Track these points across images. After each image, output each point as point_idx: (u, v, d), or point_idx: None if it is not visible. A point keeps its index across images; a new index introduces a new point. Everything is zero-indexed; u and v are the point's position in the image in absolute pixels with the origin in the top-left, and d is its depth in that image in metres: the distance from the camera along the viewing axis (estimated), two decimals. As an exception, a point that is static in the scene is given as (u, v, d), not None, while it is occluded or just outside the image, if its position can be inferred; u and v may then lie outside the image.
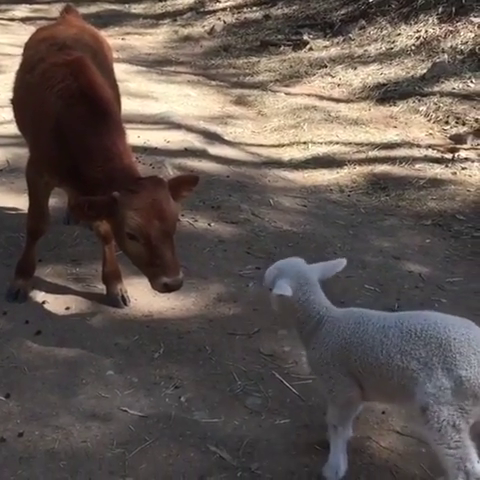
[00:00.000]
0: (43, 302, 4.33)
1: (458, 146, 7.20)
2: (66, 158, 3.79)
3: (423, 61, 9.56)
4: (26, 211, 4.44)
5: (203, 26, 13.89)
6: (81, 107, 3.76)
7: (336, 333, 2.91)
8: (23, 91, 4.25)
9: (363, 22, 11.45)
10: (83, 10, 15.39)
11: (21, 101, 4.30)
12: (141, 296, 4.43)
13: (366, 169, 6.90)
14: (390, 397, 2.96)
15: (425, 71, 9.11)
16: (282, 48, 11.50)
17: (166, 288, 3.57)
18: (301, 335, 3.09)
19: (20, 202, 5.22)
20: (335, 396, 2.97)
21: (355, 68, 10.00)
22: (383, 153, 7.22)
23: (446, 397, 2.60)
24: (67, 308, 4.28)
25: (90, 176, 3.70)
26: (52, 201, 4.64)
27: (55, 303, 4.33)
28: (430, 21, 10.43)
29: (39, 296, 4.38)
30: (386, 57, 10.10)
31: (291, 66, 10.62)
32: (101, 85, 3.89)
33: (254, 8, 14.37)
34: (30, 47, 4.48)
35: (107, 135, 3.74)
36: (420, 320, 2.76)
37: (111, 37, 12.96)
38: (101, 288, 4.44)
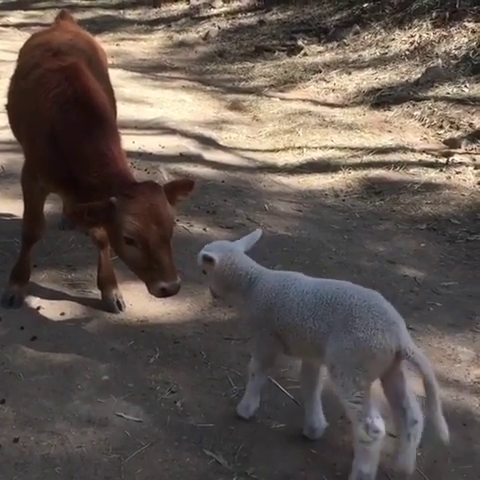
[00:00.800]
0: (38, 308, 4.32)
1: (452, 150, 7.21)
2: (61, 164, 3.79)
3: (417, 66, 9.59)
4: (21, 217, 4.43)
5: (198, 32, 13.92)
6: (76, 112, 3.76)
7: (264, 293, 3.22)
8: (18, 97, 4.25)
9: (357, 27, 11.49)
10: (78, 16, 15.42)
11: (16, 107, 4.30)
12: (136, 301, 4.43)
13: (361, 174, 6.92)
14: (308, 354, 3.20)
15: (419, 76, 9.14)
16: (277, 53, 11.54)
17: (164, 293, 3.57)
18: (237, 297, 3.44)
19: (15, 208, 5.22)
20: (260, 351, 3.32)
21: (349, 73, 10.04)
22: (378, 158, 7.24)
23: (348, 357, 2.89)
24: (62, 313, 4.28)
25: (86, 181, 3.70)
26: (47, 206, 4.64)
27: (50, 309, 4.32)
28: (424, 26, 10.47)
29: (34, 302, 4.37)
30: (380, 62, 10.14)
31: (286, 71, 10.65)
32: (96, 90, 3.89)
33: (249, 14, 14.41)
34: (25, 53, 4.48)
35: (102, 140, 3.74)
36: (332, 288, 3.08)
37: (106, 43, 12.98)
38: (96, 293, 4.43)
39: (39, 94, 3.88)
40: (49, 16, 14.45)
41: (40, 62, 4.06)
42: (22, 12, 16.86)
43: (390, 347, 2.87)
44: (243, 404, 3.42)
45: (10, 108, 4.41)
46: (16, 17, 16.11)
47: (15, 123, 4.40)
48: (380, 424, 2.91)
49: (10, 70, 4.71)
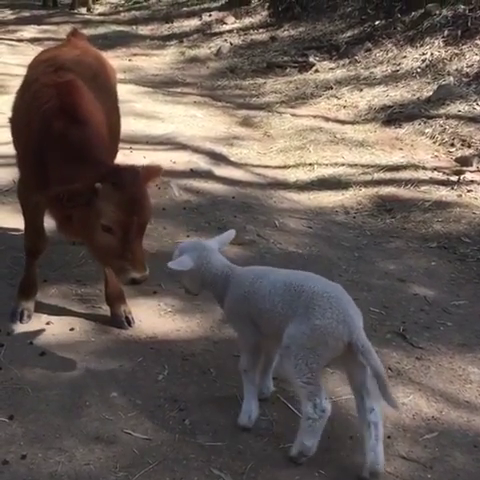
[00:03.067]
0: (47, 323, 4.31)
1: (464, 168, 7.20)
2: (47, 178, 3.76)
3: (429, 83, 9.60)
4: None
5: (210, 47, 14.00)
6: (59, 125, 3.72)
7: (239, 286, 3.42)
8: (18, 111, 4.27)
9: (369, 44, 11.52)
10: (91, 31, 15.59)
11: (16, 120, 4.32)
12: (145, 317, 4.42)
13: (372, 191, 6.90)
14: (275, 339, 3.30)
15: (431, 93, 9.14)
16: (288, 70, 11.58)
17: (133, 282, 3.56)
18: (217, 297, 3.58)
19: (26, 222, 5.22)
20: (244, 343, 3.48)
21: (361, 90, 10.05)
22: (389, 175, 7.23)
23: (303, 340, 3.11)
24: (71, 329, 4.27)
25: (65, 177, 3.61)
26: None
27: (59, 324, 4.31)
28: (436, 44, 10.49)
29: (43, 317, 4.37)
30: (392, 79, 10.15)
31: (297, 88, 10.67)
32: (83, 105, 3.84)
33: (260, 30, 14.49)
34: (31, 68, 4.49)
35: (81, 147, 3.67)
36: (300, 277, 3.31)
37: (118, 58, 13.10)
38: (106, 309, 4.42)
39: (32, 108, 3.89)
40: (62, 31, 14.56)
41: (39, 77, 4.07)
42: (36, 27, 17.02)
43: (342, 337, 3.09)
44: (243, 411, 3.47)
45: (12, 122, 4.41)
46: (30, 32, 16.26)
47: (15, 137, 4.40)
48: (327, 405, 3.14)
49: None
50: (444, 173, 7.20)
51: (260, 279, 3.38)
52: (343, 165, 7.59)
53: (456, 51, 10.09)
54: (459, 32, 10.39)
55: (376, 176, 7.23)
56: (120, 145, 4.80)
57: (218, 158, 7.70)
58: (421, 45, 10.69)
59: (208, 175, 7.05)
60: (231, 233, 3.72)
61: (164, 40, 15.40)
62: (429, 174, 7.21)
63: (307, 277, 3.34)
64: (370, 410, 3.15)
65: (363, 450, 3.16)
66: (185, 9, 18.16)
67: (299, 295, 3.18)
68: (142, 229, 3.58)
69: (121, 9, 20.28)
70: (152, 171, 3.82)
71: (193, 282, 3.58)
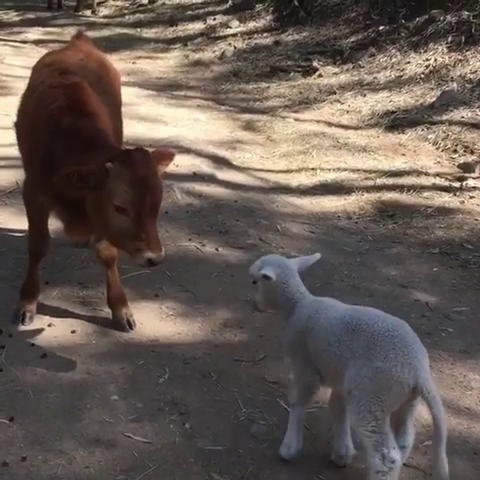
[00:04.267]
0: (49, 325, 4.32)
1: (466, 175, 7.20)
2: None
3: (432, 89, 9.60)
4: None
5: (214, 51, 14.01)
6: (68, 120, 3.74)
7: (301, 318, 3.22)
8: (23, 113, 4.28)
9: (373, 50, 11.53)
10: (95, 34, 15.60)
11: (21, 123, 4.33)
12: (147, 320, 4.43)
13: (374, 196, 6.90)
14: (334, 382, 3.14)
15: (434, 99, 9.15)
16: (292, 74, 11.59)
17: (149, 263, 3.51)
18: (282, 319, 3.39)
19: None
20: (298, 378, 3.27)
21: (364, 95, 10.06)
22: (391, 181, 7.23)
23: (365, 385, 2.87)
24: (73, 331, 4.27)
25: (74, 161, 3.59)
26: (59, 224, 4.63)
27: (61, 326, 4.32)
28: (439, 50, 10.49)
29: (45, 319, 4.38)
30: (395, 85, 10.16)
31: (300, 92, 10.69)
32: (92, 103, 3.87)
33: (264, 34, 14.50)
34: (36, 71, 4.51)
35: (90, 135, 3.70)
36: (359, 315, 3.05)
37: (122, 61, 13.12)
38: (107, 312, 4.43)
39: (38, 110, 3.91)
40: (67, 33, 14.59)
41: (45, 80, 4.09)
42: (40, 29, 17.04)
43: (408, 382, 2.84)
44: (284, 443, 3.31)
45: (17, 125, 4.42)
46: (34, 34, 16.28)
47: (19, 139, 4.42)
48: (396, 454, 2.88)
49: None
50: (447, 179, 7.20)
51: (318, 314, 3.17)
52: (346, 170, 7.59)
53: (460, 57, 10.09)
54: (463, 38, 10.39)
55: (378, 181, 7.23)
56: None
57: (221, 162, 7.70)
58: (425, 51, 10.70)
59: (211, 179, 7.06)
60: (316, 256, 3.49)
61: (168, 43, 15.41)
62: (432, 180, 7.21)
63: (366, 313, 3.10)
64: (402, 447, 2.99)
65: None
66: (189, 12, 18.17)
67: (358, 335, 2.95)
68: (155, 209, 3.53)
69: (126, 12, 20.29)
70: (164, 154, 3.84)
71: (266, 298, 3.36)
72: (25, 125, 4.17)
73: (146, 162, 3.53)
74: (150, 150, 3.70)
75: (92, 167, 3.46)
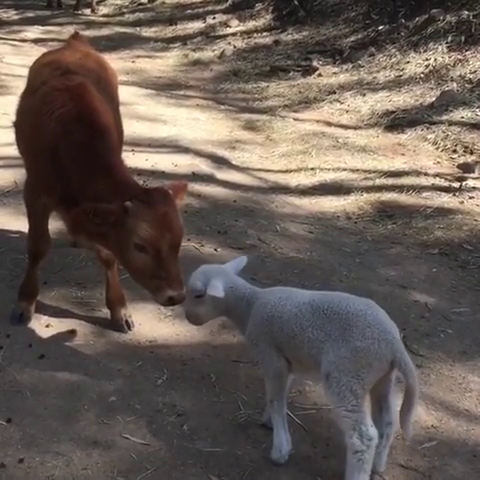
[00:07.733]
0: (47, 325, 4.31)
1: (466, 175, 7.19)
2: (62, 181, 3.77)
3: (432, 89, 9.59)
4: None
5: (213, 50, 13.99)
6: (79, 132, 3.74)
7: (262, 308, 3.26)
8: (24, 114, 4.26)
9: (372, 49, 11.52)
10: (94, 33, 15.59)
11: (22, 124, 4.31)
12: (145, 321, 4.41)
13: (373, 196, 6.89)
14: (306, 367, 3.21)
15: (434, 99, 9.14)
16: (291, 74, 11.58)
17: (171, 302, 3.54)
18: (238, 322, 3.45)
19: (27, 224, 5.21)
20: (266, 369, 3.30)
21: (364, 95, 10.05)
22: (390, 181, 7.22)
23: (345, 365, 2.93)
24: (71, 332, 4.26)
25: (92, 192, 3.63)
26: (58, 224, 4.64)
27: (59, 327, 4.31)
28: (439, 49, 10.48)
29: (43, 319, 4.37)
30: (395, 84, 10.15)
31: (300, 92, 10.67)
32: (100, 110, 3.87)
33: (264, 33, 14.48)
34: (34, 70, 4.50)
35: (106, 157, 3.71)
36: (329, 299, 3.13)
37: (121, 60, 13.10)
38: (106, 312, 4.42)
39: (43, 112, 3.88)
40: (66, 32, 14.57)
41: (47, 80, 4.07)
42: (40, 27, 17.00)
43: (386, 356, 2.95)
44: (274, 445, 3.30)
45: (17, 125, 4.41)
46: (33, 32, 16.25)
47: (20, 140, 4.40)
48: (373, 432, 2.95)
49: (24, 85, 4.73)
50: (446, 179, 7.19)
51: (283, 301, 3.22)
52: (345, 170, 7.58)
53: (460, 57, 10.08)
54: (463, 38, 10.38)
55: (378, 182, 7.22)
56: (122, 147, 4.79)
57: (220, 161, 7.70)
58: (425, 51, 10.69)
59: (210, 178, 7.05)
60: (243, 259, 3.57)
61: (168, 42, 15.39)
62: (431, 180, 7.20)
63: (334, 296, 3.18)
64: (387, 424, 3.10)
65: None
66: (189, 11, 18.14)
67: (330, 318, 3.02)
68: (176, 247, 3.55)
69: (125, 11, 20.25)
70: (179, 187, 3.86)
71: (215, 307, 3.41)
72: (27, 125, 4.15)
73: (167, 201, 3.55)
74: (165, 185, 3.70)
75: (110, 207, 3.48)
